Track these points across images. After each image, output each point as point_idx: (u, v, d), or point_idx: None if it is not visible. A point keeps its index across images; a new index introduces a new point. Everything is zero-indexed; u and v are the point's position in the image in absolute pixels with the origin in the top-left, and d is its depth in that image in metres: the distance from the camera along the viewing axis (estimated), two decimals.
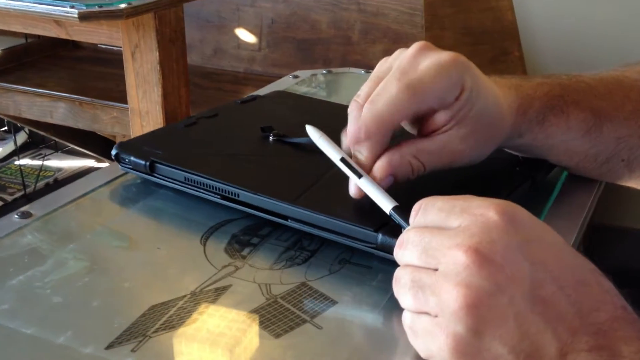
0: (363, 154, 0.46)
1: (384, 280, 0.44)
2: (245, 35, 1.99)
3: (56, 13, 1.23)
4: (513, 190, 0.51)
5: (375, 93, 0.45)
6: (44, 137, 2.15)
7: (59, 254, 0.47)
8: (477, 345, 0.32)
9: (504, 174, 0.53)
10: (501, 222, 0.34)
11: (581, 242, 0.52)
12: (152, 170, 0.54)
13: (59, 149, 2.26)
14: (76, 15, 1.19)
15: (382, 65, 0.48)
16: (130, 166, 0.55)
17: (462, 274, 0.33)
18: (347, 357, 0.38)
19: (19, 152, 2.15)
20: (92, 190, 0.55)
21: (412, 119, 0.47)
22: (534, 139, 0.51)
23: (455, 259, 0.33)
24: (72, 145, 2.04)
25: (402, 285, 0.36)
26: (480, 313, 0.32)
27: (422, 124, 0.47)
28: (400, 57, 0.47)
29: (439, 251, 0.34)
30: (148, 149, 0.55)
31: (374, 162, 0.45)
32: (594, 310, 0.33)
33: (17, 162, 2.12)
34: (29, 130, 2.15)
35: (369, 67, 0.97)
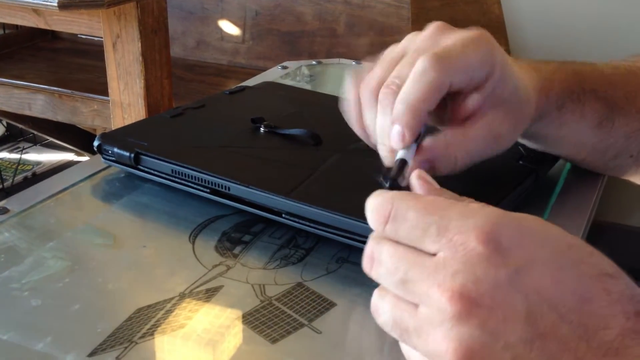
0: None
1: None
2: (228, 27, 1.95)
3: (35, 2, 1.20)
4: (517, 185, 0.49)
5: (407, 82, 0.40)
6: (22, 130, 2.11)
7: (37, 253, 0.44)
8: None
9: (507, 168, 0.51)
10: (485, 251, 0.30)
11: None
12: (137, 162, 0.51)
13: (37, 142, 2.22)
14: (55, 4, 1.15)
15: (393, 49, 0.44)
16: (113, 158, 0.52)
17: (448, 324, 0.29)
18: None
19: None
20: (73, 185, 0.52)
21: (440, 104, 0.42)
22: (548, 125, 0.48)
23: (439, 304, 0.29)
24: (51, 139, 2.00)
25: (384, 323, 0.32)
26: None
27: (453, 111, 0.43)
28: (417, 39, 0.43)
29: (418, 287, 0.31)
30: (133, 140, 0.52)
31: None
32: (601, 329, 0.29)
33: None
34: (7, 122, 2.10)
35: (355, 60, 0.94)
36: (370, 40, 1.78)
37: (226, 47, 1.96)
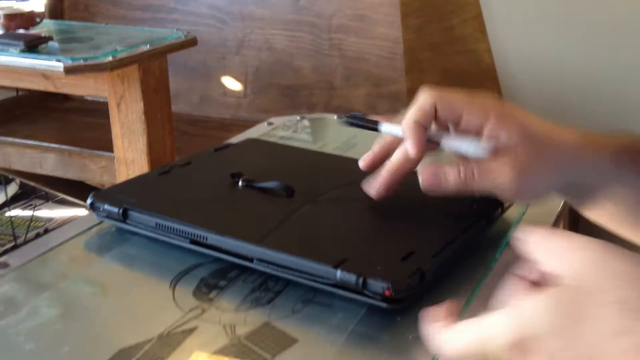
0: None
1: (343, 318, 0.46)
2: (230, 83, 2.03)
3: (42, 67, 1.27)
4: (468, 228, 0.53)
5: None
6: (35, 188, 2.17)
7: (33, 302, 0.49)
8: None
9: (459, 211, 0.55)
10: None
11: None
12: (125, 217, 0.56)
13: (49, 199, 2.28)
14: (62, 69, 1.22)
15: None
16: (104, 214, 0.57)
17: None
18: None
19: (9, 203, 2.17)
20: (68, 240, 0.57)
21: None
22: (601, 171, 0.51)
23: None
24: (62, 195, 2.06)
25: None
26: None
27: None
28: None
29: None
30: (122, 197, 0.57)
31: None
32: None
33: (7, 214, 2.14)
34: (20, 181, 2.16)
35: (352, 111, 1.00)
36: (367, 91, 1.84)
37: (229, 101, 2.03)
